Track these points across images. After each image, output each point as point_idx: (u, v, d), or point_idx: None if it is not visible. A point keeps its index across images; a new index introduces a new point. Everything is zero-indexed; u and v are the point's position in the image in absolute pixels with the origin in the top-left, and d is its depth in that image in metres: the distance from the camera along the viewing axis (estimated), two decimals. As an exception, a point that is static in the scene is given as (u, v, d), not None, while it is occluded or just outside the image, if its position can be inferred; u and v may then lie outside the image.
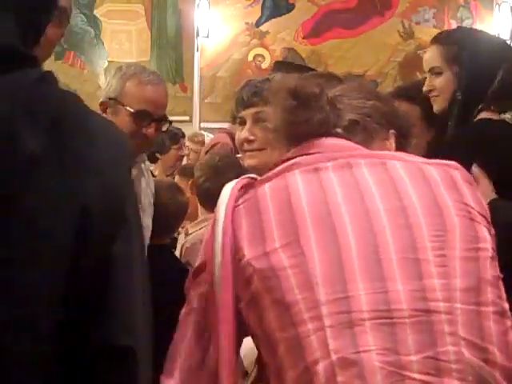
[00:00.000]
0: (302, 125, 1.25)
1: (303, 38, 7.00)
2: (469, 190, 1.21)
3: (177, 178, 3.91)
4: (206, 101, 6.98)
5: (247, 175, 1.26)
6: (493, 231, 1.21)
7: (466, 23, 6.85)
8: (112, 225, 0.88)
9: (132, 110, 2.09)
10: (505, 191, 1.95)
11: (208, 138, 5.10)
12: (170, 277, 2.03)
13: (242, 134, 1.85)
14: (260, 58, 7.00)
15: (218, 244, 1.17)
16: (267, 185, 1.20)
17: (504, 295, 1.16)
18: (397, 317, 1.07)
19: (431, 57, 2.18)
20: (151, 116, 2.11)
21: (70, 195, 0.84)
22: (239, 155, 2.97)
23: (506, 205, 1.88)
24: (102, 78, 6.54)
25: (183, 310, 1.25)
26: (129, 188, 0.94)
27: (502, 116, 2.11)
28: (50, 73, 0.92)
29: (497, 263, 1.18)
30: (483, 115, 2.06)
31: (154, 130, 2.12)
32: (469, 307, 1.10)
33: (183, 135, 4.83)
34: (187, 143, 4.99)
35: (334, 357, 1.06)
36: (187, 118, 6.72)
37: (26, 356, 0.84)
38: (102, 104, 2.17)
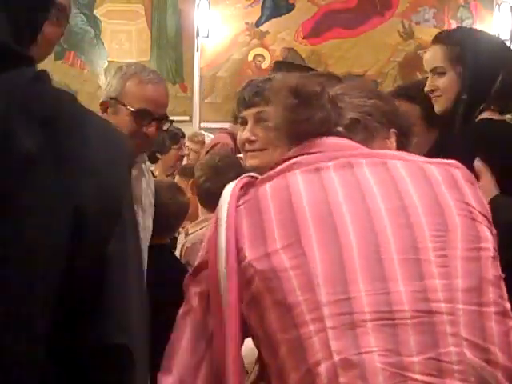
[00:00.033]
0: (303, 123, 1.25)
1: (303, 38, 7.00)
2: (470, 189, 1.21)
3: (177, 178, 3.91)
4: (206, 101, 6.98)
5: (248, 174, 1.26)
6: (494, 231, 1.20)
7: (466, 23, 6.85)
8: (107, 225, 0.87)
9: (132, 109, 2.09)
10: (505, 191, 1.95)
11: (208, 138, 5.10)
12: (169, 277, 2.03)
13: (244, 134, 1.85)
14: (260, 58, 6.99)
15: (222, 244, 1.17)
16: (268, 184, 1.20)
17: (506, 295, 1.16)
18: (398, 318, 1.07)
19: (434, 57, 2.17)
20: (152, 115, 2.11)
21: (65, 195, 0.84)
22: (239, 155, 2.98)
23: (507, 203, 1.88)
24: (102, 78, 6.54)
25: (182, 309, 1.25)
26: (125, 188, 0.93)
27: (503, 117, 2.12)
28: (44, 72, 0.92)
29: (498, 263, 1.17)
30: (484, 115, 2.06)
31: (154, 129, 2.12)
32: (471, 308, 1.10)
33: (183, 135, 4.83)
34: (187, 143, 4.99)
35: (336, 358, 1.05)
36: (187, 118, 6.72)
37: (23, 356, 0.84)
38: (102, 104, 2.17)
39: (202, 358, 1.20)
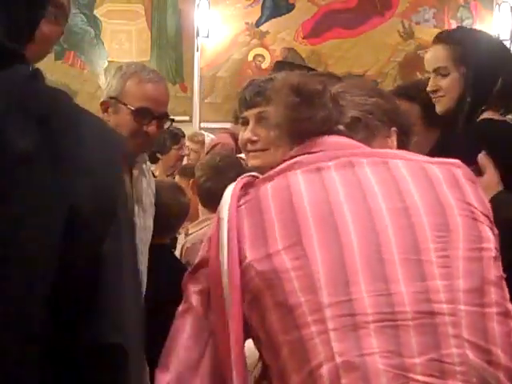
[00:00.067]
0: (305, 122, 1.25)
1: (303, 38, 6.99)
2: (471, 188, 1.21)
3: (177, 178, 3.91)
4: (206, 101, 6.97)
5: (248, 174, 1.25)
6: (496, 231, 1.20)
7: (466, 23, 6.83)
8: (102, 224, 0.87)
9: (133, 108, 2.09)
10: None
11: (208, 137, 5.10)
12: (169, 276, 2.03)
13: (245, 134, 1.84)
14: (260, 58, 6.99)
15: (224, 244, 1.16)
16: (269, 184, 1.20)
17: (507, 295, 1.16)
18: (400, 319, 1.07)
19: (436, 57, 2.16)
20: (152, 113, 2.10)
21: (60, 194, 0.84)
22: (240, 155, 2.98)
23: (509, 200, 1.87)
24: (102, 78, 6.53)
25: (181, 307, 1.24)
26: (120, 188, 0.93)
27: (504, 117, 2.12)
28: (39, 70, 0.92)
29: (500, 263, 1.17)
30: (485, 115, 2.06)
31: (155, 127, 2.11)
32: (472, 308, 1.10)
33: (184, 135, 4.83)
34: (187, 143, 4.98)
35: (338, 360, 1.05)
36: (187, 118, 6.70)
37: (22, 356, 0.84)
38: (102, 104, 2.17)
39: (201, 356, 1.19)
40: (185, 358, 1.20)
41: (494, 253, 1.16)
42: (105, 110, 2.15)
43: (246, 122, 1.86)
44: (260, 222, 1.16)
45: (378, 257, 1.10)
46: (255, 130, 1.82)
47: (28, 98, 0.85)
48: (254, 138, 1.82)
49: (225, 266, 1.15)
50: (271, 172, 1.22)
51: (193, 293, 1.23)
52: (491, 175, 1.93)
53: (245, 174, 1.25)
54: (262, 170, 1.38)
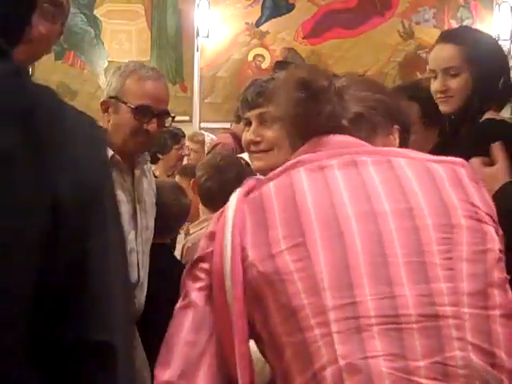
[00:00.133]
0: (312, 118, 1.24)
1: (303, 38, 6.99)
2: (475, 188, 1.20)
3: (177, 178, 3.91)
4: (206, 101, 6.96)
5: (254, 177, 1.25)
6: (500, 232, 1.20)
7: (466, 23, 6.82)
8: (88, 216, 0.86)
9: (133, 106, 2.08)
10: None
11: (208, 137, 5.10)
12: (169, 275, 2.02)
13: (248, 135, 1.84)
14: (260, 58, 6.98)
15: (228, 241, 1.16)
16: (272, 183, 1.19)
17: (511, 297, 1.15)
18: (404, 322, 1.06)
19: (446, 56, 2.10)
20: (152, 111, 2.10)
21: (43, 187, 0.83)
22: (241, 155, 2.97)
23: None
24: (102, 78, 6.53)
25: (179, 303, 1.22)
26: (106, 178, 0.92)
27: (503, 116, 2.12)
28: (23, 66, 0.91)
29: (504, 264, 1.17)
30: (486, 115, 2.06)
31: (155, 125, 2.11)
32: (476, 311, 1.09)
33: (184, 135, 4.83)
34: (187, 143, 4.99)
35: (341, 362, 1.05)
36: (187, 118, 6.70)
37: (7, 356, 0.83)
38: (103, 103, 2.17)
39: (203, 351, 1.17)
40: (187, 353, 1.17)
41: (497, 254, 1.15)
42: (105, 110, 2.15)
43: (248, 123, 1.85)
44: (263, 220, 1.15)
45: (382, 260, 1.10)
46: (258, 130, 1.81)
47: (7, 95, 0.85)
48: (257, 139, 1.81)
49: (228, 263, 1.15)
50: (275, 171, 1.21)
51: (192, 289, 1.21)
52: (504, 166, 1.91)
53: (250, 178, 1.25)
54: (266, 172, 1.37)
